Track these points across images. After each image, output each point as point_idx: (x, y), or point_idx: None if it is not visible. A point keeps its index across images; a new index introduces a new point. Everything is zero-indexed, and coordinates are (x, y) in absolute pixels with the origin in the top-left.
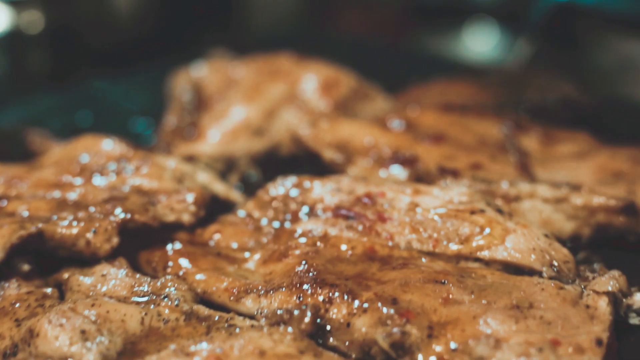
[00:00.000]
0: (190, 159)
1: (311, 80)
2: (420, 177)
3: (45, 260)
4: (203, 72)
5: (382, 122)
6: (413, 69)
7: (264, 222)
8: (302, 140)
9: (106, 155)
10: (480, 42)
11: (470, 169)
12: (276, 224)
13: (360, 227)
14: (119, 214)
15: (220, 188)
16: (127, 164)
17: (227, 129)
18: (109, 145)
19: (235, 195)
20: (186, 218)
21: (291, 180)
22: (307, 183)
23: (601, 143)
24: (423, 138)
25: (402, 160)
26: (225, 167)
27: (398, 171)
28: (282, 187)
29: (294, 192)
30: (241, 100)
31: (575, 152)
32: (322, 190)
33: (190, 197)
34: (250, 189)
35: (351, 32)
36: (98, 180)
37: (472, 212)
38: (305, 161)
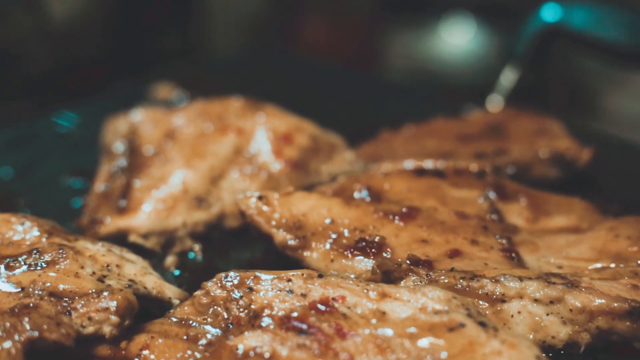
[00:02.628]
0: (121, 235)
1: (264, 136)
2: (388, 270)
3: None
4: (140, 119)
5: (344, 192)
6: (382, 96)
7: (201, 331)
8: (250, 219)
9: (17, 244)
10: (455, 39)
11: (448, 257)
12: (215, 335)
13: (315, 345)
14: (25, 331)
15: (152, 282)
16: (40, 257)
17: (163, 197)
18: (20, 229)
19: (170, 291)
20: (107, 330)
21: (233, 278)
22: (251, 282)
23: (599, 213)
24: (392, 214)
25: (366, 246)
26: (162, 243)
27: (362, 260)
28: (221, 288)
29: (236, 294)
30: (181, 162)
31: (570, 226)
32: (270, 293)
33: (112, 305)
34: (190, 273)
35: (317, 50)
36: (5, 280)
37: (450, 329)
38: (256, 235)
